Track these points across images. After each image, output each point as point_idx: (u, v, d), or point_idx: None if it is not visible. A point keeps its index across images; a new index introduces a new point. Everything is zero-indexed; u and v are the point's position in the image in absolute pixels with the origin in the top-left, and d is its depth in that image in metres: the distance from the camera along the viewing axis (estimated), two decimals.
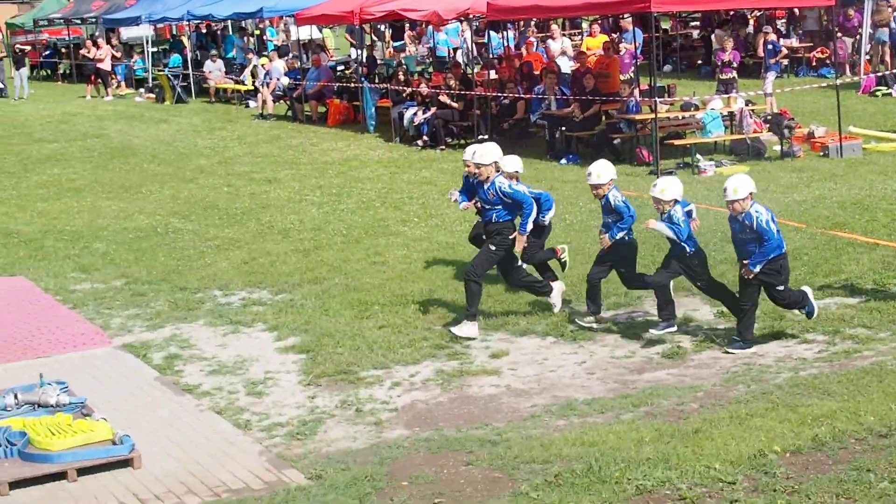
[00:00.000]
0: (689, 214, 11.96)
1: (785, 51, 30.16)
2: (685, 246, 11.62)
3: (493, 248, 12.53)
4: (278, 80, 32.90)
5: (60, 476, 9.13)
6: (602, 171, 12.35)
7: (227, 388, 11.13)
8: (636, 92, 23.36)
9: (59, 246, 17.52)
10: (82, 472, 9.17)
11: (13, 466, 9.23)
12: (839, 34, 30.03)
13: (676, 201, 11.69)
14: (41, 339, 12.94)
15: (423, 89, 26.62)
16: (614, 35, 30.70)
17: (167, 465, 9.35)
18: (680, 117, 22.86)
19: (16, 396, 10.22)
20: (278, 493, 8.63)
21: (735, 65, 25.02)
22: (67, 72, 48.77)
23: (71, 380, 11.06)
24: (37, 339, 12.95)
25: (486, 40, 28.45)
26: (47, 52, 52.98)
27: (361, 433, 9.90)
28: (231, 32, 44.43)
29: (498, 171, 12.62)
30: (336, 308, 13.44)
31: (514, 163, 13.57)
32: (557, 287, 12.96)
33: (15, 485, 9.01)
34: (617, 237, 12.18)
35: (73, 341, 12.84)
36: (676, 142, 21.96)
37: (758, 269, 11.13)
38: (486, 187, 12.53)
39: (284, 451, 9.57)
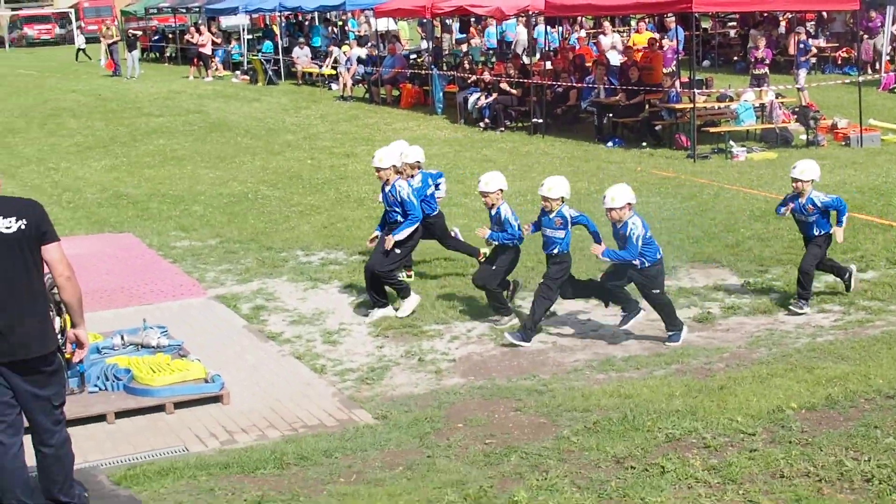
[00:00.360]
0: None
1: (814, 50, 29.77)
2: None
3: (397, 251, 11.75)
4: (358, 66, 32.91)
5: (159, 408, 9.26)
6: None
7: (306, 337, 11.21)
8: (677, 83, 23.16)
9: (163, 208, 17.69)
10: (178, 405, 9.29)
11: (119, 399, 9.37)
12: (863, 35, 29.56)
13: (563, 199, 10.66)
14: (145, 289, 13.09)
15: (486, 77, 26.55)
16: (659, 34, 30.40)
17: (252, 402, 9.44)
18: (716, 107, 22.60)
19: (122, 338, 10.35)
20: (348, 430, 8.69)
21: (767, 61, 24.70)
22: (173, 55, 49.05)
23: (170, 325, 11.19)
24: (141, 289, 13.09)
25: (535, 35, 28.27)
26: (156, 37, 53.34)
27: (422, 380, 9.94)
28: (317, 23, 44.48)
29: (398, 174, 11.87)
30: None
31: (416, 153, 12.69)
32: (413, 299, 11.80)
33: (120, 414, 9.15)
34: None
35: (173, 291, 12.97)
36: (712, 129, 21.75)
37: (603, 256, 10.59)
38: (386, 190, 11.83)
39: (354, 393, 9.63)
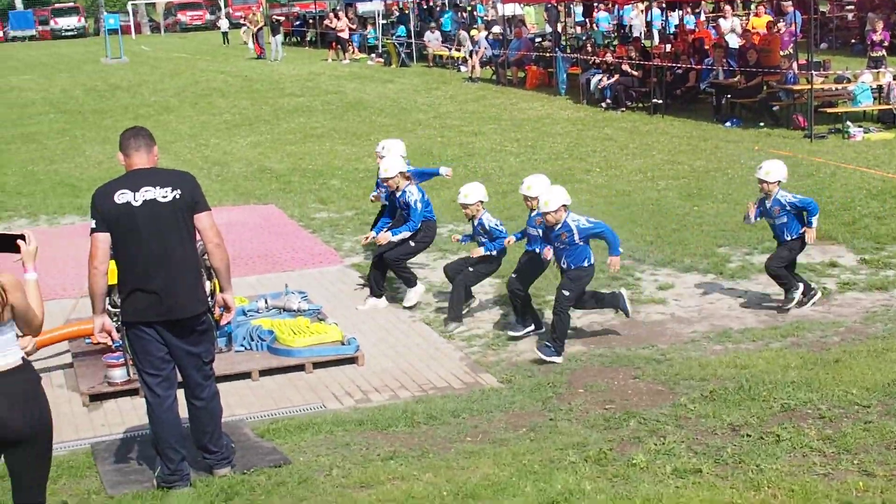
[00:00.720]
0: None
1: None
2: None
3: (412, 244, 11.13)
4: (485, 49, 32.79)
5: (299, 368, 9.38)
6: (471, 191, 10.58)
7: (435, 305, 11.23)
8: (794, 65, 22.51)
9: (303, 181, 17.90)
10: (317, 365, 9.40)
11: (263, 358, 9.53)
12: None
13: (565, 207, 9.50)
14: (286, 256, 13.28)
15: (608, 59, 26.19)
16: (776, 17, 29.61)
17: (384, 364, 9.51)
18: (833, 88, 21.92)
19: (266, 302, 10.51)
20: (475, 393, 8.70)
21: (885, 44, 23.85)
22: (313, 39, 49.55)
23: (309, 290, 11.34)
24: (283, 256, 13.29)
25: (648, 18, 27.76)
26: (297, 23, 53.92)
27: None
28: (447, 8, 44.42)
29: (407, 180, 11.12)
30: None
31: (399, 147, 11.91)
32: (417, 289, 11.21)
33: (264, 373, 9.30)
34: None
35: (312, 259, 13.13)
36: (829, 110, 21.09)
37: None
38: (397, 196, 11.20)
39: (481, 358, 9.62)
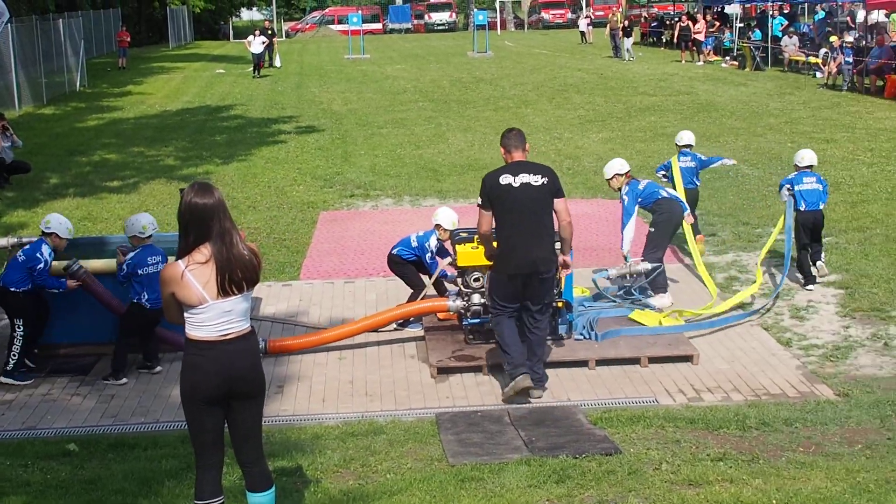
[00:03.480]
0: None
1: None
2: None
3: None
4: (843, 56, 31.15)
5: (634, 361, 9.36)
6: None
7: (775, 310, 10.86)
8: None
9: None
10: (652, 360, 9.35)
11: (601, 347, 9.57)
12: None
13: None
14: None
15: None
16: None
17: (719, 365, 9.32)
18: None
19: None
20: (809, 403, 8.35)
21: None
22: (669, 40, 48.99)
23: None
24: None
25: None
26: (654, 24, 53.49)
27: (887, 364, 9.32)
28: (806, 13, 42.60)
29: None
30: (875, 254, 12.65)
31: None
32: None
33: (600, 362, 9.35)
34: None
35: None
36: None
37: None
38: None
39: (818, 368, 9.21)
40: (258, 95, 33.25)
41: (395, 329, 10.35)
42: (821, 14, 40.46)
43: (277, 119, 27.06)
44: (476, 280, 9.51)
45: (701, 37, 40.65)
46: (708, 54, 41.12)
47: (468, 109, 28.03)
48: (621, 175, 11.22)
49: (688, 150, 13.15)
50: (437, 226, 10.26)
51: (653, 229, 11.19)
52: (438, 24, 78.34)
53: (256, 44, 39.26)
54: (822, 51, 33.39)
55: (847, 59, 30.07)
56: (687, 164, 12.97)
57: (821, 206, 11.53)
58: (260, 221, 15.22)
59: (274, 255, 13.43)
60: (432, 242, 10.32)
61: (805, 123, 23.84)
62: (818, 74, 33.04)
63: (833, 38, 33.05)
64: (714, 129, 23.36)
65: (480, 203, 8.50)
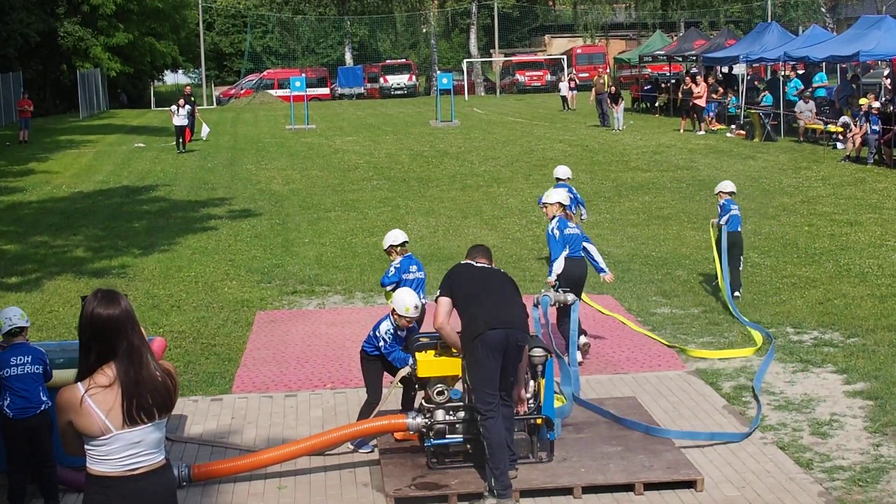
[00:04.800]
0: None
1: None
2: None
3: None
4: (866, 124, 31.78)
5: (628, 488, 9.36)
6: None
7: (792, 425, 10.92)
8: None
9: (644, 270, 17.96)
10: (648, 486, 9.35)
11: (588, 473, 9.57)
12: None
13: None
14: (620, 356, 13.34)
15: None
16: None
17: (727, 491, 9.34)
18: None
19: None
20: None
21: None
22: (664, 105, 49.84)
23: (645, 397, 11.33)
24: (616, 356, 13.35)
25: None
26: (647, 87, 54.44)
27: None
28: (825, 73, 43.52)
29: None
30: None
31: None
32: None
33: (587, 489, 9.33)
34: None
35: (649, 361, 13.12)
36: None
37: None
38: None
39: (844, 495, 9.25)
40: (184, 173, 33.42)
41: (349, 450, 10.32)
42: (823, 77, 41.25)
43: (207, 201, 27.19)
44: (440, 393, 9.54)
45: (702, 102, 41.37)
46: (710, 122, 41.82)
47: (430, 189, 28.29)
48: (563, 205, 13.49)
49: (565, 182, 17.88)
50: (392, 311, 10.34)
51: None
52: (396, 89, 79.43)
53: (181, 115, 39.54)
54: (843, 119, 34.06)
55: (873, 127, 30.63)
56: None
57: (738, 228, 16.03)
58: (185, 324, 15.20)
59: (202, 363, 13.40)
60: (383, 329, 10.33)
61: (825, 203, 24.22)
62: (839, 145, 33.64)
63: (863, 101, 33.40)
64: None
65: (440, 292, 9.30)
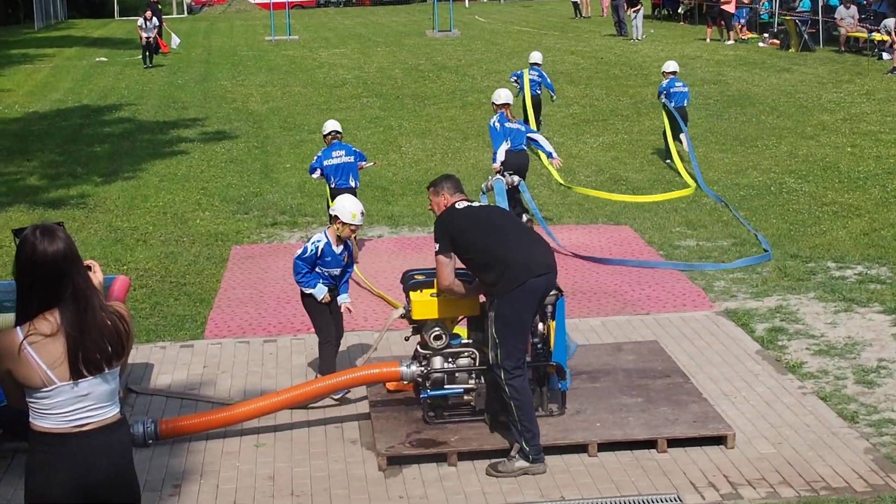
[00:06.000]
0: None
1: None
2: None
3: None
4: None
5: (650, 444, 9.24)
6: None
7: (834, 373, 10.78)
8: None
9: (666, 202, 17.72)
10: (673, 443, 9.23)
11: (605, 428, 9.44)
12: None
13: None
14: (640, 295, 13.19)
15: None
16: None
17: (762, 447, 9.21)
18: None
19: None
20: (884, 499, 8.25)
21: None
22: (688, 12, 49.39)
23: (668, 341, 11.18)
24: (636, 294, 13.20)
25: None
26: None
27: None
28: None
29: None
30: None
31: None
32: None
33: (604, 447, 9.21)
34: None
35: (673, 301, 12.97)
36: None
37: None
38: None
39: (893, 452, 9.12)
40: (151, 91, 33.15)
41: (334, 404, 10.20)
42: None
43: (177, 122, 26.98)
44: (437, 338, 9.38)
45: (731, 8, 40.95)
46: (741, 30, 41.44)
47: (427, 107, 28.07)
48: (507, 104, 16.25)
49: (537, 67, 22.91)
50: (334, 218, 10.32)
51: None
52: None
53: (148, 28, 39.04)
54: (891, 22, 33.67)
55: None
56: (534, 77, 22.54)
57: (685, 103, 20.69)
58: (152, 260, 15.04)
59: (170, 305, 13.26)
60: (314, 239, 10.32)
61: (869, 121, 24.03)
62: (885, 56, 33.34)
63: None
64: (750, 129, 23.47)
65: (439, 248, 8.95)
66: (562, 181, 17.76)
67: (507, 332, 8.78)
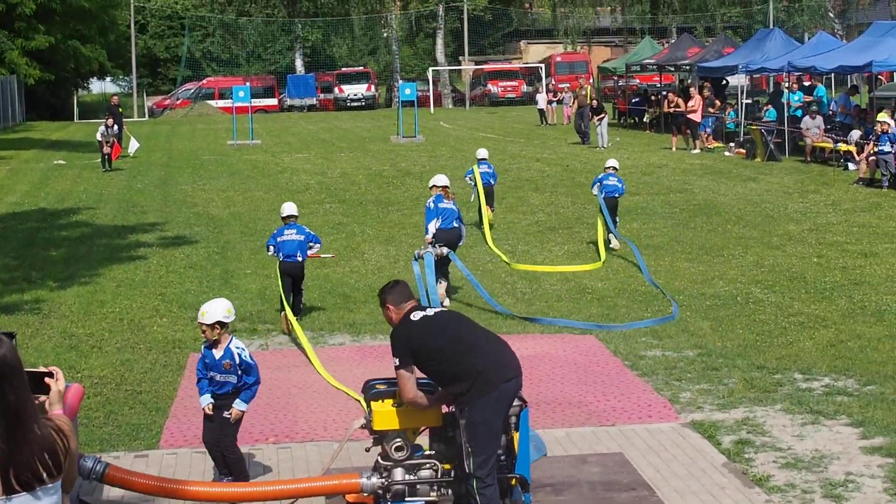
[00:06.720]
0: None
1: None
2: None
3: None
4: (879, 144, 31.87)
5: None
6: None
7: (801, 486, 10.76)
8: None
9: (633, 307, 17.83)
10: None
11: None
12: None
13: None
14: (605, 405, 13.17)
15: None
16: None
17: None
18: None
19: None
20: None
21: None
22: (654, 120, 49.95)
23: (633, 453, 11.16)
24: (601, 405, 13.19)
25: None
26: (636, 100, 54.56)
27: None
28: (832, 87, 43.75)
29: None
30: None
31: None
32: None
33: None
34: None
35: (639, 412, 12.95)
36: None
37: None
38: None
39: None
40: (110, 194, 33.17)
41: None
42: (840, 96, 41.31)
43: (135, 227, 26.96)
44: (398, 449, 9.34)
45: (697, 117, 41.42)
46: (707, 139, 41.89)
47: (391, 213, 28.17)
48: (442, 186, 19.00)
49: (485, 161, 26.11)
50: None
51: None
52: (352, 100, 79.46)
53: (108, 136, 39.05)
54: (855, 134, 34.10)
55: (882, 147, 30.60)
56: (485, 170, 25.52)
57: (617, 196, 23.32)
58: (107, 367, 14.95)
59: (125, 414, 13.15)
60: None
61: (836, 231, 24.24)
62: (850, 166, 33.72)
63: (882, 116, 32.50)
64: (716, 238, 23.63)
65: (399, 362, 9.04)
66: (505, 258, 20.75)
67: (482, 440, 8.81)
